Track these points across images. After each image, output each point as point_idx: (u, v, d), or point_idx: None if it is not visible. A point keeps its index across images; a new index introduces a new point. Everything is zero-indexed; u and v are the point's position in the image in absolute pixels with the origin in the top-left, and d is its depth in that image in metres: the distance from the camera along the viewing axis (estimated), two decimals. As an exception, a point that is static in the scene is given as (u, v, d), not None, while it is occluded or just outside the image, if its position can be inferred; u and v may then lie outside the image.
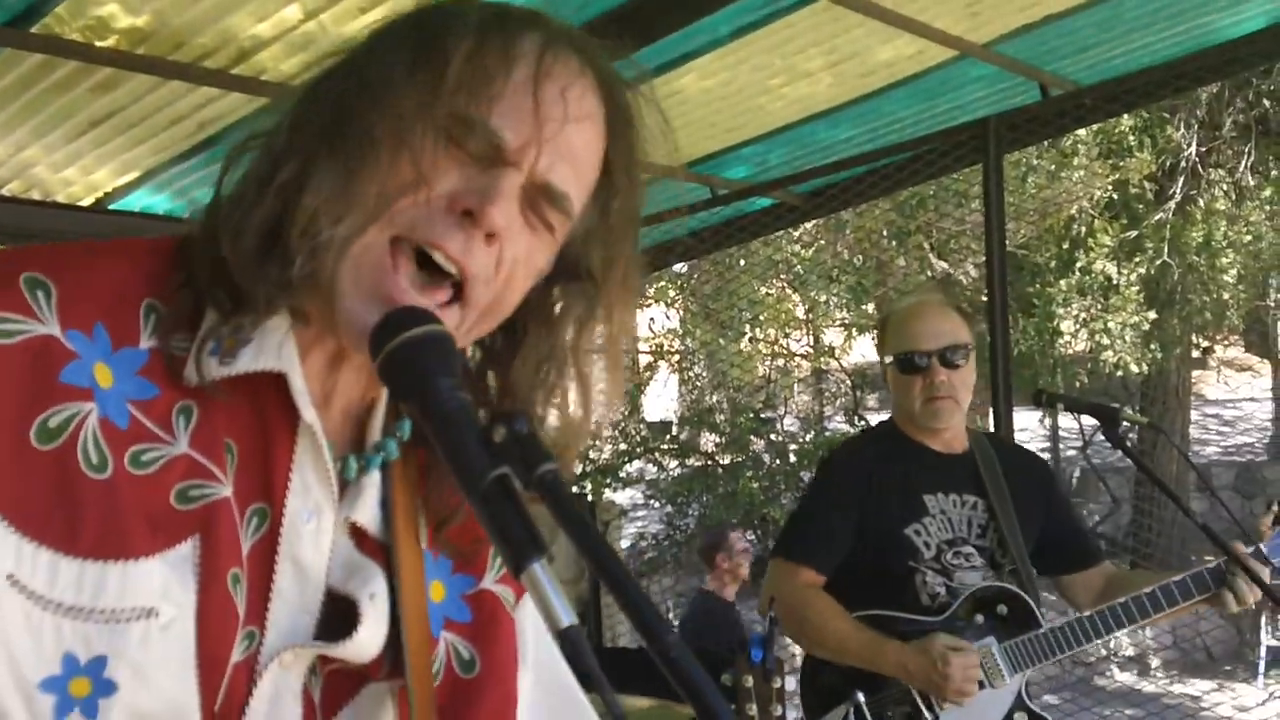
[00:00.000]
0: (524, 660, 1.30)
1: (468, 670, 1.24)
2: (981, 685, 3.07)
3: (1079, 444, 14.30)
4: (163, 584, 1.02)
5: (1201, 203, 13.17)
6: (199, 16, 3.89)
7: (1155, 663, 12.87)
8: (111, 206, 5.29)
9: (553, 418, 1.23)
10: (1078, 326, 12.84)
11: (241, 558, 1.07)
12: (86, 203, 5.29)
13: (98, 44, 4.01)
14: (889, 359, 3.36)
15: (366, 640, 1.13)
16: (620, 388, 1.27)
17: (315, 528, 1.13)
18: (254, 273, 1.07)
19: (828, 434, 12.44)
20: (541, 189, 1.12)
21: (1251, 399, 19.88)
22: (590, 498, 8.02)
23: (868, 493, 3.25)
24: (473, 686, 1.24)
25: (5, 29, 3.87)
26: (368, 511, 1.18)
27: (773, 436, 12.46)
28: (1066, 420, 13.85)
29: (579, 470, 11.48)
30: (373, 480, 1.19)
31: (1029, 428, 14.96)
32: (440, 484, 1.23)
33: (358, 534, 1.18)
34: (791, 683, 2.64)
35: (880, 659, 3.07)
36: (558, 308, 1.23)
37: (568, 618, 0.91)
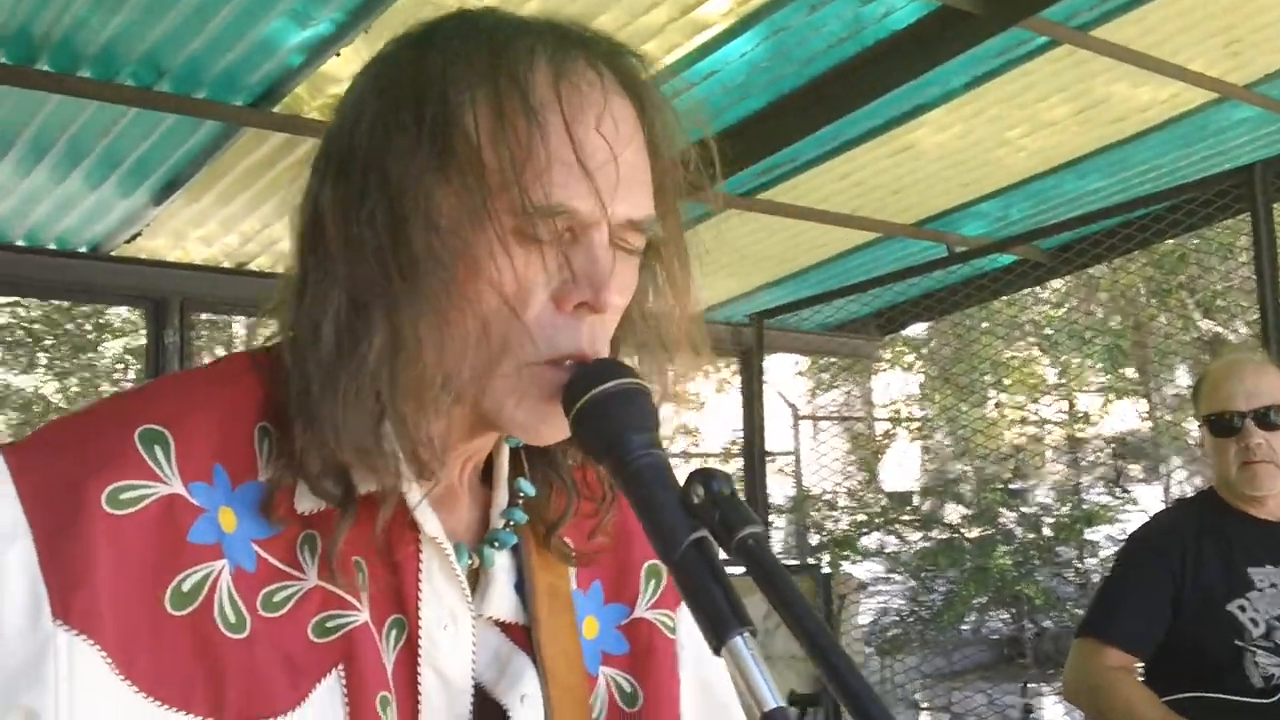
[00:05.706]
0: (683, 676, 1.26)
1: (630, 704, 1.20)
2: None
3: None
4: None
5: None
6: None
7: None
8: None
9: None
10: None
11: (388, 679, 1.03)
12: (329, 276, 5.47)
13: (335, 121, 4.14)
14: (1201, 420, 3.14)
15: None
16: (700, 346, 1.14)
17: (453, 633, 1.08)
18: (358, 454, 1.01)
19: (1085, 506, 11.78)
20: (625, 226, 1.03)
21: None
22: (826, 570, 7.80)
23: (1183, 566, 3.02)
24: (638, 719, 1.21)
25: (248, 110, 4.04)
26: (502, 602, 1.12)
27: (1024, 509, 11.86)
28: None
29: (814, 542, 11.18)
30: (502, 565, 1.13)
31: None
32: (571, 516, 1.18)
33: (500, 623, 1.12)
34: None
35: None
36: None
37: (773, 700, 0.83)
